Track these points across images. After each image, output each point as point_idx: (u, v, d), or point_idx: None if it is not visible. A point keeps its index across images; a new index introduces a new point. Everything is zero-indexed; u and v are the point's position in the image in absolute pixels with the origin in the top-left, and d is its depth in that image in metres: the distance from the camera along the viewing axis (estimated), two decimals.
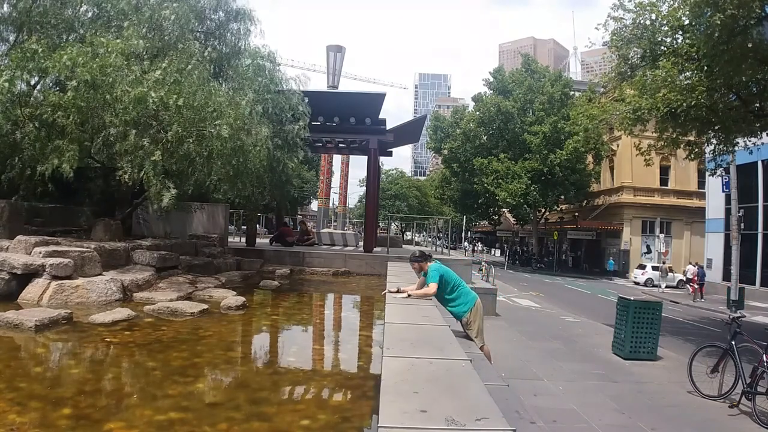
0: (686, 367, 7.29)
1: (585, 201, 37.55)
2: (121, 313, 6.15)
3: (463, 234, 61.81)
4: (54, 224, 9.93)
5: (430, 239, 30.17)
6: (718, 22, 8.99)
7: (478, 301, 5.69)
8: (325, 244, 18.76)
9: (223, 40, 11.76)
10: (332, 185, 43.18)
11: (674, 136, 13.00)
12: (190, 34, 9.94)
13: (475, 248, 49.78)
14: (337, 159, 40.89)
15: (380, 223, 27.28)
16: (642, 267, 29.11)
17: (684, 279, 25.66)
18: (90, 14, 10.06)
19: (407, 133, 18.04)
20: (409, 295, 5.67)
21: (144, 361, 4.80)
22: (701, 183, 30.23)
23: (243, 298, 7.64)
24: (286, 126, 11.96)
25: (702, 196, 28.68)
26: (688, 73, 11.45)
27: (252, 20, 11.90)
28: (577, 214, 38.10)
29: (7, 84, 7.40)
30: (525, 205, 34.44)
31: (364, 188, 21.63)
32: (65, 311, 5.83)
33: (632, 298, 9.17)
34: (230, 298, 7.62)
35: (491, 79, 38.00)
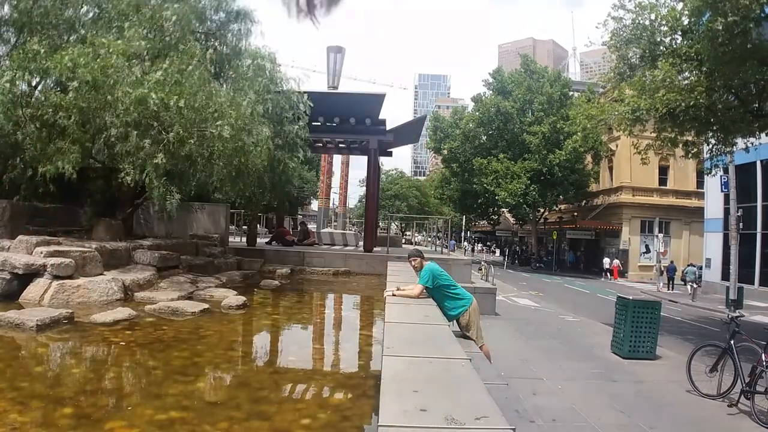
0: (685, 367, 7.30)
1: (584, 201, 37.57)
2: (123, 312, 6.17)
3: (462, 234, 61.77)
4: (55, 224, 9.94)
5: (429, 239, 30.15)
6: (720, 27, 9.01)
7: (474, 302, 5.67)
8: (325, 244, 18.77)
9: (223, 40, 11.76)
10: (332, 185, 43.12)
11: (672, 136, 13.03)
12: (190, 34, 9.94)
13: (475, 248, 49.74)
14: (337, 159, 40.80)
15: (380, 223, 27.27)
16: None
17: (606, 268, 32.36)
18: (91, 15, 10.06)
19: (407, 133, 18.05)
20: (393, 294, 5.58)
21: (145, 360, 4.83)
22: (700, 183, 30.24)
23: (243, 298, 7.67)
24: (286, 126, 11.98)
25: (701, 195, 28.70)
26: (686, 74, 11.47)
27: (252, 21, 11.90)
28: (576, 213, 38.10)
29: (8, 84, 7.42)
30: (524, 205, 34.46)
31: (364, 188, 21.64)
32: (66, 311, 5.85)
33: (631, 298, 9.19)
34: (231, 298, 7.64)
35: (491, 80, 38.01)
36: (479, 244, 56.66)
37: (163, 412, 3.50)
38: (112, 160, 9.20)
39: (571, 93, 35.65)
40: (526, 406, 5.79)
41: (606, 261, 32.66)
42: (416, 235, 30.69)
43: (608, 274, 31.85)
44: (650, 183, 33.23)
